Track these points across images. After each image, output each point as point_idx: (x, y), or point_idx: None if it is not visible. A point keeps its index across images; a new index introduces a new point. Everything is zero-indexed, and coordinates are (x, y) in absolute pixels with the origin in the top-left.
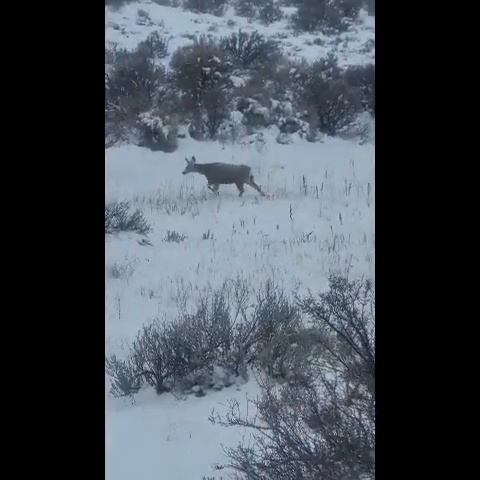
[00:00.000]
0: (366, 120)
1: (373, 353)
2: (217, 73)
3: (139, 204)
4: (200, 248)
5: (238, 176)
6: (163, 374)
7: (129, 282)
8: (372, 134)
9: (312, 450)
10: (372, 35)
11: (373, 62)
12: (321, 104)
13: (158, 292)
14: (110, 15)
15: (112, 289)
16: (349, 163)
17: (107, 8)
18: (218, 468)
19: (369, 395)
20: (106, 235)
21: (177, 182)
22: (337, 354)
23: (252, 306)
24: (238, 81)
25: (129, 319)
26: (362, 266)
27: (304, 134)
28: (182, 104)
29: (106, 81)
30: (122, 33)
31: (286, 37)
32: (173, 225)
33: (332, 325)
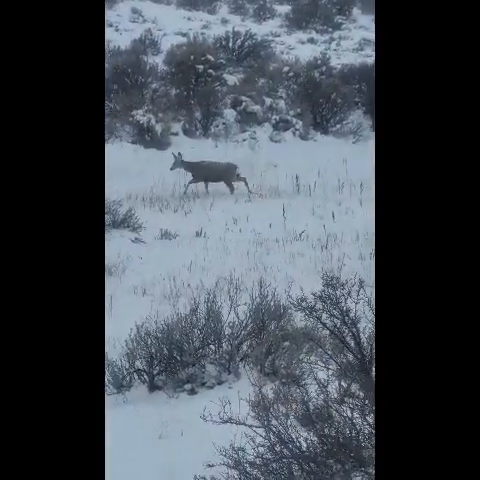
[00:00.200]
0: (359, 119)
1: (365, 352)
2: (210, 71)
3: (132, 202)
4: (193, 246)
5: (225, 174)
6: (155, 372)
7: (122, 280)
8: (365, 133)
9: (304, 449)
10: (365, 34)
11: (366, 60)
12: (314, 102)
13: (150, 290)
14: None
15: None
16: (342, 162)
17: None
18: (210, 466)
19: (361, 394)
20: None
21: (170, 180)
22: (329, 353)
23: (244, 304)
24: (231, 79)
25: (121, 317)
26: (355, 265)
27: (297, 132)
28: (175, 102)
29: None
30: (115, 30)
31: (279, 35)
32: (166, 223)
33: (324, 324)
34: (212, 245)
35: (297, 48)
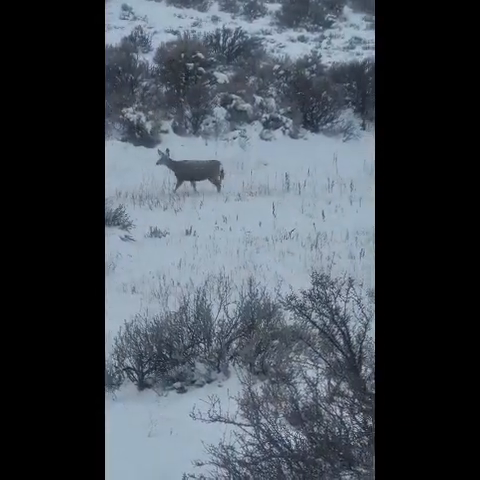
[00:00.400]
0: (349, 117)
1: (354, 350)
2: (201, 69)
3: (122, 199)
4: (182, 244)
5: (208, 172)
6: (144, 370)
7: (111, 278)
8: (355, 131)
9: (293, 447)
10: (356, 32)
11: (357, 59)
12: (304, 101)
13: (140, 288)
14: None
15: None
16: (332, 160)
17: None
18: (199, 465)
19: (350, 392)
20: None
21: (160, 178)
22: (319, 351)
23: (234, 303)
24: (222, 77)
25: (111, 315)
26: (344, 263)
27: (287, 131)
28: (165, 99)
29: None
30: (106, 28)
31: (270, 33)
32: (155, 221)
33: (314, 322)
34: (202, 243)
35: (287, 46)
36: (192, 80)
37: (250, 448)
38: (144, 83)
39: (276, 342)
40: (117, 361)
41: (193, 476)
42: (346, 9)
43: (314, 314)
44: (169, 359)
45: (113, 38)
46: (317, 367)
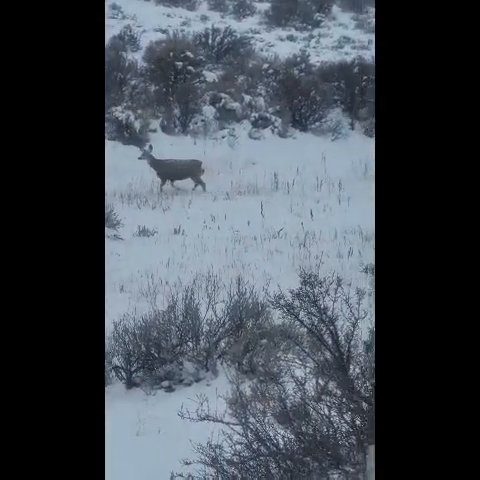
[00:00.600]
0: (338, 116)
1: (343, 350)
2: (190, 68)
3: (110, 198)
4: (171, 243)
5: (190, 171)
6: (133, 369)
7: None
8: (344, 130)
9: (281, 446)
10: (345, 32)
11: (345, 58)
12: (293, 100)
13: (128, 287)
14: None
15: None
16: (321, 159)
17: None
18: (187, 464)
19: (338, 392)
20: None
21: (148, 177)
22: (307, 350)
23: (222, 302)
24: (210, 76)
25: None
26: (333, 263)
27: (276, 130)
28: (154, 98)
29: None
30: None
31: (259, 33)
32: (144, 220)
33: (302, 321)
34: (190, 242)
35: (276, 45)
36: (181, 79)
37: (238, 447)
38: (133, 82)
39: (264, 341)
40: (105, 360)
41: (181, 475)
42: (335, 8)
43: (302, 313)
44: (157, 358)
45: None
46: (305, 366)
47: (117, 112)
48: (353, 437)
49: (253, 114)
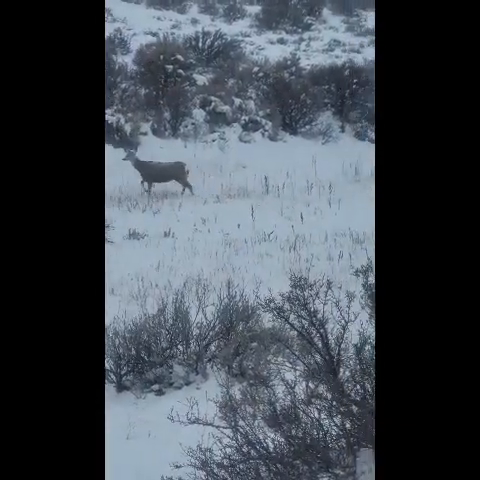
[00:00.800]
0: (328, 120)
1: (333, 353)
2: (180, 71)
3: None
4: (161, 246)
5: (175, 173)
6: (123, 372)
7: None
8: (334, 133)
9: (271, 449)
10: (335, 35)
11: (336, 61)
12: (283, 103)
13: (118, 290)
14: None
15: None
16: (311, 163)
17: None
18: (177, 467)
19: (328, 395)
20: None
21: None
22: (297, 353)
23: (212, 305)
24: (201, 79)
25: None
26: (323, 265)
27: (266, 133)
28: (144, 102)
29: None
30: None
31: (249, 36)
32: (134, 223)
33: (292, 325)
34: (180, 245)
35: (267, 48)
36: (171, 82)
37: (228, 450)
38: (123, 85)
39: (254, 344)
40: None
41: (171, 478)
42: (325, 12)
43: (292, 316)
44: (147, 361)
45: None
46: (295, 369)
47: (107, 115)
48: (343, 440)
49: (243, 117)
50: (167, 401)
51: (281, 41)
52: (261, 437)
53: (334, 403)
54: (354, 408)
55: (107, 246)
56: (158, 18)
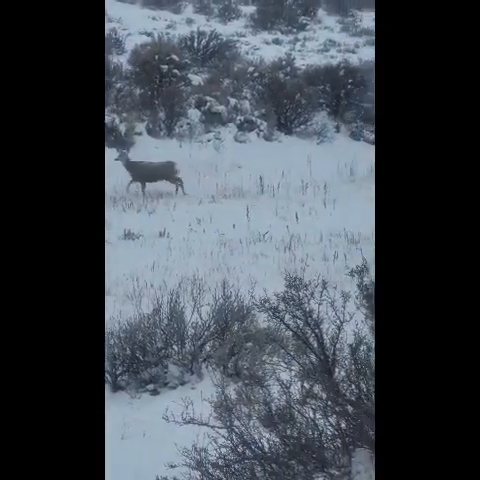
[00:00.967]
0: (323, 120)
1: (328, 353)
2: (175, 71)
3: None
4: (156, 246)
5: (165, 172)
6: (118, 372)
7: None
8: (329, 134)
9: (266, 449)
10: (330, 35)
11: (331, 61)
12: (279, 103)
13: (113, 290)
14: None
15: None
16: (306, 163)
17: None
18: (172, 467)
19: (324, 395)
20: None
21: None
22: (292, 354)
23: (208, 305)
24: (196, 79)
25: None
26: (318, 266)
27: (261, 133)
28: (139, 102)
29: None
30: None
31: (244, 36)
32: (129, 223)
33: (287, 325)
34: (175, 245)
35: (262, 48)
36: (166, 82)
37: (223, 450)
38: (118, 85)
39: (249, 344)
40: None
41: (166, 478)
42: (320, 12)
43: (287, 316)
44: (142, 361)
45: None
46: (290, 369)
47: None
48: (338, 440)
49: (239, 117)
50: (162, 401)
51: (276, 41)
52: (256, 437)
53: (329, 403)
54: (349, 408)
55: None
56: (153, 18)
